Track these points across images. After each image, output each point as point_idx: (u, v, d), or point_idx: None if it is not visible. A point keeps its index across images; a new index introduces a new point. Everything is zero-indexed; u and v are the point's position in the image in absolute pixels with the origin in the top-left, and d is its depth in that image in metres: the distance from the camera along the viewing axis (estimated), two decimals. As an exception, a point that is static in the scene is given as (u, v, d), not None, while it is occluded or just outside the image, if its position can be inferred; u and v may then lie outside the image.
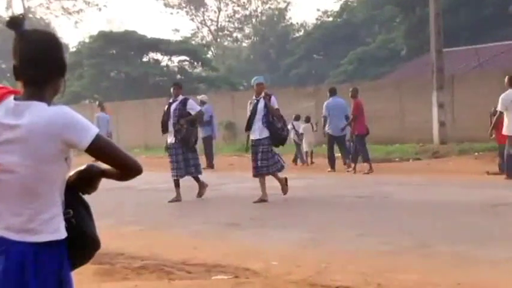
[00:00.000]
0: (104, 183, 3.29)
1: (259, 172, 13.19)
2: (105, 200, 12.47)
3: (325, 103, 20.48)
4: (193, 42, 66.76)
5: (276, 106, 13.27)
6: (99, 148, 3.01)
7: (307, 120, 23.95)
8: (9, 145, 2.97)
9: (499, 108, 15.29)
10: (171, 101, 14.24)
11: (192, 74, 51.27)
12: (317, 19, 68.71)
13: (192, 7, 79.15)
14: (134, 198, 14.78)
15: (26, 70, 3.06)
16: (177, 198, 13.86)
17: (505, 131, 15.12)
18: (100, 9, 74.87)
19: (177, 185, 13.97)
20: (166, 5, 79.33)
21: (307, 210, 12.11)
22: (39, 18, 66.44)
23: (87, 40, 51.67)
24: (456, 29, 37.71)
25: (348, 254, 8.16)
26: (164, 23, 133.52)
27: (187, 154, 13.90)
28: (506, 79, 15.50)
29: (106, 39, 48.51)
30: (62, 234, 3.07)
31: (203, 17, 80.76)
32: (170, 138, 13.99)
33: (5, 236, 3.01)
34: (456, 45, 35.43)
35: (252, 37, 76.67)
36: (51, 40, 3.15)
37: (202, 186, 14.28)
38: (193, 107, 14.25)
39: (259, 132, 13.17)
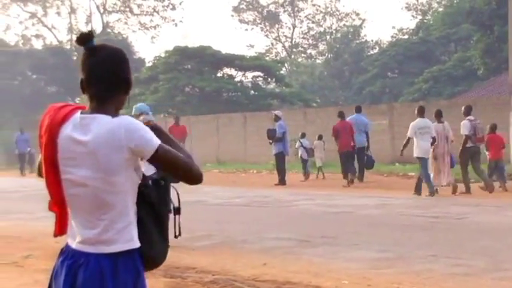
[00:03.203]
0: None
1: None
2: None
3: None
4: (267, 58, 67.04)
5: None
6: (162, 157, 3.05)
7: (320, 137, 26.00)
8: (78, 159, 3.04)
9: (408, 134, 17.57)
10: None
11: (265, 90, 51.39)
12: (392, 37, 68.40)
13: (266, 23, 79.55)
14: (206, 212, 14.87)
15: (91, 86, 3.14)
16: None
17: (418, 153, 17.32)
18: (176, 25, 75.86)
19: None
20: (241, 21, 79.97)
21: (379, 229, 11.98)
22: (117, 33, 67.64)
23: (162, 55, 52.26)
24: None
25: (419, 275, 8.05)
26: (239, 38, 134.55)
27: None
28: (416, 110, 18.01)
29: (181, 54, 49.05)
30: (136, 243, 3.11)
31: (278, 33, 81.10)
32: None
33: (82, 250, 3.08)
34: (535, 64, 34.67)
35: (326, 54, 76.54)
36: (118, 57, 3.19)
37: None
38: None
39: (145, 169, 11.27)
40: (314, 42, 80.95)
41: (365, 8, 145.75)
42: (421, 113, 17.70)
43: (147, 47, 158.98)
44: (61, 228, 3.19)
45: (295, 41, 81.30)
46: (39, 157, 3.31)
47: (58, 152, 3.09)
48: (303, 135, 26.34)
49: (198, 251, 10.15)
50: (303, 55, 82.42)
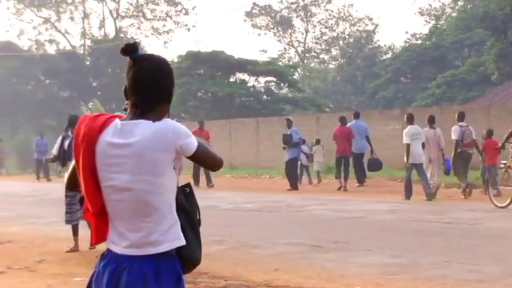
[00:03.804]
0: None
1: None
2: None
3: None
4: (280, 63, 67.00)
5: None
6: (200, 154, 3.21)
7: (317, 142, 26.72)
8: (122, 164, 3.10)
9: (404, 141, 18.10)
10: (70, 134, 11.35)
11: (278, 95, 51.38)
12: (405, 42, 68.13)
13: (279, 28, 79.57)
14: (218, 217, 14.85)
15: (134, 94, 3.20)
16: (76, 248, 11.07)
17: (410, 159, 17.90)
18: (189, 30, 75.83)
19: (77, 232, 11.13)
20: (254, 26, 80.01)
21: (392, 234, 11.94)
22: (129, 38, 67.72)
23: (175, 60, 52.31)
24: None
25: (432, 281, 8.01)
26: (252, 43, 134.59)
27: None
28: (405, 117, 18.74)
29: (194, 59, 49.12)
30: (182, 240, 3.19)
31: (290, 38, 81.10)
32: None
33: (127, 253, 3.13)
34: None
35: (339, 59, 76.47)
36: (161, 68, 3.25)
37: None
38: None
39: None
40: (327, 47, 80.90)
41: (378, 13, 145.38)
42: (411, 120, 18.47)
43: (160, 52, 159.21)
44: (98, 236, 3.24)
45: (308, 46, 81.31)
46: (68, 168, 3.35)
47: (97, 160, 3.13)
48: (303, 142, 26.35)
49: (210, 256, 10.13)
50: (315, 60, 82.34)
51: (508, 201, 15.51)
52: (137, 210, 3.11)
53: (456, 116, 19.12)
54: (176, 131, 3.13)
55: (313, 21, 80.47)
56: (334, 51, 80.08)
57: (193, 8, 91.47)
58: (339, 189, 22.04)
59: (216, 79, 48.34)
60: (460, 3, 65.22)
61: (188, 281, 7.98)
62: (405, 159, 18.14)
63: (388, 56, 67.29)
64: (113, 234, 3.19)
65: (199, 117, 36.33)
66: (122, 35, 67.39)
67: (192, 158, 3.21)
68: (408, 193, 18.00)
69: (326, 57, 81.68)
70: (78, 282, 8.23)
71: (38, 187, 25.69)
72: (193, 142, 3.17)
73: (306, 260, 9.62)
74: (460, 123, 18.77)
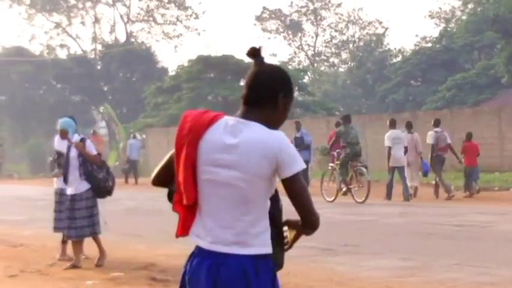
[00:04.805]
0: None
1: (78, 234, 9.89)
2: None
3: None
4: (290, 66, 67.00)
5: (94, 152, 9.92)
6: (295, 184, 3.21)
7: None
8: (228, 160, 3.13)
9: (386, 144, 18.79)
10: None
11: (288, 99, 51.39)
12: (415, 45, 67.98)
13: (289, 32, 79.56)
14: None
15: (249, 94, 3.31)
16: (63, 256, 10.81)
17: (391, 163, 18.64)
18: (199, 34, 75.59)
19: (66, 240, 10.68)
20: (264, 30, 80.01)
21: (403, 238, 11.94)
22: (140, 43, 67.88)
23: (186, 64, 52.40)
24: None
25: (443, 283, 8.01)
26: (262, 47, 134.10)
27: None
28: (388, 122, 19.36)
29: (204, 63, 49.13)
30: (270, 248, 3.21)
31: (300, 42, 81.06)
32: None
33: (216, 250, 3.14)
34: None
35: (349, 62, 76.34)
36: (276, 71, 3.35)
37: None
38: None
39: (76, 185, 9.83)
40: (337, 51, 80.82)
41: (388, 16, 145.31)
42: (393, 125, 19.14)
43: (170, 56, 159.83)
44: (184, 229, 3.25)
45: (318, 50, 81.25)
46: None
47: (201, 154, 3.17)
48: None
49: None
50: (325, 63, 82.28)
51: (333, 197, 18.68)
52: (233, 207, 3.14)
53: (433, 122, 19.80)
54: (282, 144, 3.15)
55: (323, 24, 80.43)
56: (344, 55, 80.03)
57: (203, 13, 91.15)
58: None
59: (227, 83, 48.35)
60: (470, 6, 65.09)
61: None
62: (388, 165, 18.83)
63: (398, 59, 67.13)
64: (198, 227, 3.21)
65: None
66: (132, 40, 67.52)
67: (286, 182, 3.18)
68: (389, 194, 18.86)
69: (336, 60, 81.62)
70: (90, 285, 8.28)
71: (50, 191, 25.76)
72: (294, 165, 3.16)
73: (317, 263, 9.64)
74: (435, 129, 19.39)
